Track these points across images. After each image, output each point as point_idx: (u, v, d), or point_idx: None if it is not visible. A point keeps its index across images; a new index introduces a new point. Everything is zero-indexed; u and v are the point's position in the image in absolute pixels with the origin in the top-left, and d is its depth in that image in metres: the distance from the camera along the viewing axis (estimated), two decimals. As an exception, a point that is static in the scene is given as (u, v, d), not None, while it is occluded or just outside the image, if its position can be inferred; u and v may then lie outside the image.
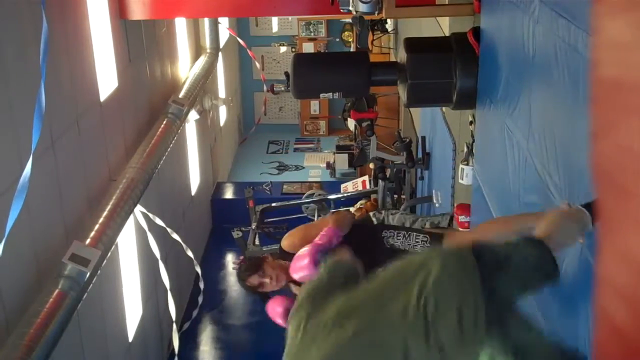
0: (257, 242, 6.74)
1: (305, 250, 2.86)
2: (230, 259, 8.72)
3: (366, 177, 8.28)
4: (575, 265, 2.55)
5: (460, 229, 4.99)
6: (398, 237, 3.09)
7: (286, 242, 3.12)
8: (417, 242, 3.08)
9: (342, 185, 8.69)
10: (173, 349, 5.82)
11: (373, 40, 10.59)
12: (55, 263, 3.91)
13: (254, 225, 6.86)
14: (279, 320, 2.84)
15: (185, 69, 8.06)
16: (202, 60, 8.47)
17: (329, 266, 2.32)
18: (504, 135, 3.69)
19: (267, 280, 3.02)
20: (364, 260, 2.58)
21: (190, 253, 6.03)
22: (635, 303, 0.69)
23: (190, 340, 7.19)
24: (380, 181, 7.24)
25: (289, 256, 3.00)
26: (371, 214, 3.12)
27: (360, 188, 8.20)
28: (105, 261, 4.33)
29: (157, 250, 5.61)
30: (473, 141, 4.74)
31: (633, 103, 0.68)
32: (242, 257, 6.72)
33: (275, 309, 2.86)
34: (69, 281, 3.84)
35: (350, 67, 4.97)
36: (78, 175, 4.59)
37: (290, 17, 12.86)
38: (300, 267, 2.83)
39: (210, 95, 8.81)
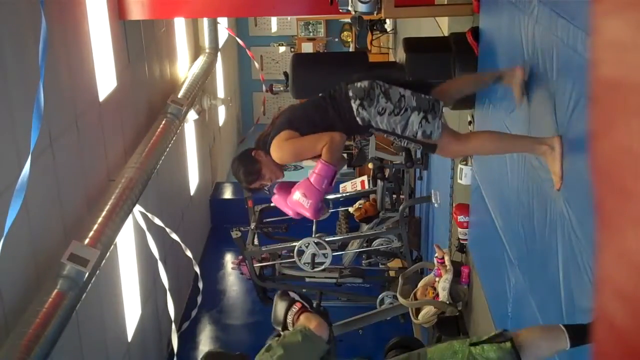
0: (256, 242, 6.74)
1: (306, 201, 2.89)
2: (229, 259, 8.72)
3: (365, 177, 8.27)
4: (574, 266, 2.55)
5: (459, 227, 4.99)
6: (389, 137, 3.06)
7: (276, 155, 3.04)
8: (410, 146, 3.04)
9: (341, 185, 8.68)
10: (172, 349, 5.82)
11: (372, 40, 10.59)
12: (54, 263, 3.91)
13: (252, 225, 6.85)
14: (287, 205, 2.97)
15: (184, 69, 8.06)
16: (201, 60, 8.47)
17: (309, 337, 2.25)
18: (503, 135, 3.69)
19: (266, 182, 3.10)
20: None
21: (189, 253, 6.03)
22: (635, 303, 0.69)
23: (189, 340, 7.19)
24: (379, 181, 7.23)
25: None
26: (354, 107, 2.98)
27: (359, 188, 8.19)
28: (104, 261, 4.33)
29: (156, 250, 5.61)
30: (472, 141, 4.74)
31: (633, 103, 0.68)
32: (241, 257, 6.73)
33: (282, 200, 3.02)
34: (67, 281, 3.84)
35: (349, 67, 4.97)
36: (77, 175, 4.59)
37: (289, 17, 12.86)
38: (302, 213, 2.97)
39: (209, 95, 8.81)
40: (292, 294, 2.51)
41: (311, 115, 3.06)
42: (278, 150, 3.01)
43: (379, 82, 2.99)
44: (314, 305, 2.65)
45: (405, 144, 3.01)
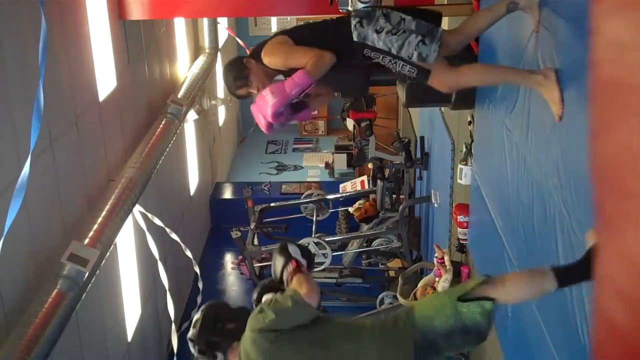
0: (255, 242, 6.74)
1: (271, 98, 2.86)
2: (229, 259, 8.72)
3: (365, 177, 8.27)
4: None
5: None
6: (383, 61, 2.99)
7: (266, 57, 3.03)
8: (404, 70, 2.96)
9: (341, 185, 8.69)
10: (172, 349, 5.82)
11: (372, 40, 10.59)
12: (54, 263, 3.91)
13: (252, 225, 6.86)
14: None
15: (184, 68, 8.06)
16: (201, 60, 8.47)
17: (299, 304, 2.33)
18: (502, 135, 3.69)
19: (254, 90, 3.08)
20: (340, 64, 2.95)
21: (189, 253, 6.03)
22: (635, 303, 0.69)
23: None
24: (379, 181, 7.24)
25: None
26: (352, 23, 2.90)
27: (359, 188, 8.19)
28: (104, 261, 4.33)
29: (155, 250, 5.61)
30: (472, 141, 4.74)
31: (633, 103, 0.68)
32: (240, 257, 6.73)
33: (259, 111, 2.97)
34: (67, 281, 3.84)
35: (349, 67, 4.96)
36: (77, 175, 4.59)
37: (289, 17, 12.85)
38: (262, 112, 2.93)
39: (209, 95, 8.81)
40: (290, 249, 2.56)
41: (310, 33, 3.09)
42: (269, 52, 3.01)
43: (382, 7, 3.01)
44: (314, 258, 2.71)
45: (400, 67, 2.94)
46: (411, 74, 2.94)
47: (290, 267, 2.48)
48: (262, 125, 2.99)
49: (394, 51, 2.88)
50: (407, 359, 2.36)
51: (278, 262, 2.55)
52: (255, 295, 2.65)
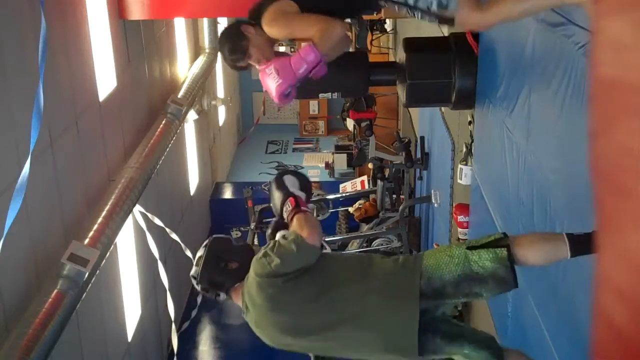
0: (256, 242, 6.74)
1: (275, 79, 2.67)
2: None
3: (365, 177, 8.28)
4: (574, 266, 2.55)
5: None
6: (400, 10, 2.70)
7: (266, 27, 2.73)
8: (425, 18, 2.65)
9: (341, 185, 8.69)
10: (172, 349, 5.82)
11: (372, 40, 10.60)
12: (54, 263, 3.91)
13: (252, 225, 6.86)
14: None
15: (184, 69, 8.06)
16: (201, 60, 8.46)
17: (303, 247, 2.33)
18: (503, 135, 3.69)
19: (253, 62, 2.85)
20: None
21: (189, 253, 6.02)
22: (635, 303, 0.69)
23: (189, 340, 7.19)
24: (379, 181, 7.24)
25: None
26: None
27: (359, 188, 8.19)
28: (104, 261, 4.33)
29: (156, 250, 5.61)
30: (472, 141, 4.75)
31: (633, 103, 0.68)
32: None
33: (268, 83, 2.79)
34: (67, 281, 3.84)
35: (349, 67, 4.97)
36: (77, 175, 4.59)
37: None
38: (268, 91, 2.77)
39: (209, 95, 8.81)
40: (287, 181, 2.53)
41: None
42: (270, 21, 2.70)
43: None
44: (311, 184, 2.68)
45: (420, 16, 2.64)
46: (433, 21, 2.65)
47: (289, 205, 2.45)
48: (273, 97, 2.79)
49: (410, 2, 2.59)
50: (410, 305, 2.32)
51: (276, 197, 2.53)
52: (269, 231, 2.64)
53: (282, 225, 2.56)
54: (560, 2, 2.56)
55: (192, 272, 2.59)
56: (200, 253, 2.60)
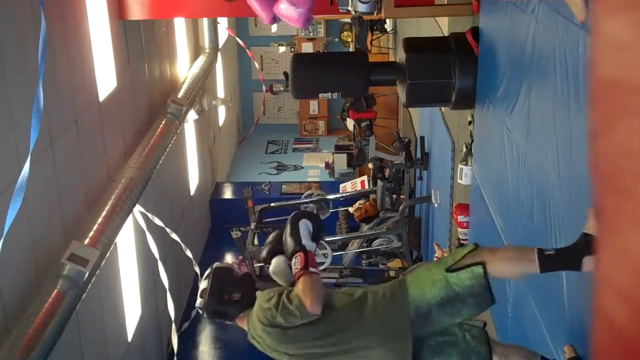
0: (256, 242, 6.74)
1: (295, 11, 2.88)
2: (229, 259, 8.71)
3: (365, 177, 8.27)
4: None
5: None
6: None
7: None
8: None
9: (341, 185, 8.69)
10: (172, 349, 5.82)
11: (372, 40, 10.59)
12: (54, 263, 3.91)
13: (252, 225, 6.85)
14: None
15: (184, 69, 8.06)
16: (201, 60, 8.47)
17: (305, 315, 2.53)
18: (503, 135, 3.69)
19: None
20: None
21: (189, 253, 6.03)
22: (635, 303, 0.69)
23: (189, 340, 7.19)
24: (379, 181, 7.24)
25: None
26: None
27: (359, 188, 8.19)
28: (104, 261, 4.33)
29: (156, 250, 5.61)
30: (472, 141, 4.74)
31: (633, 103, 0.68)
32: (241, 257, 6.72)
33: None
34: (67, 281, 3.84)
35: (349, 67, 4.97)
36: (77, 175, 4.59)
37: (289, 17, 12.85)
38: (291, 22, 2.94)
39: (209, 95, 8.81)
40: (301, 229, 2.66)
41: None
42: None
43: None
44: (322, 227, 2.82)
45: None
46: None
47: (298, 262, 2.59)
48: (297, 24, 2.96)
49: None
50: (404, 339, 2.53)
51: (288, 244, 2.67)
52: (264, 254, 2.82)
53: (279, 251, 2.75)
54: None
55: (198, 303, 2.78)
56: (203, 285, 2.79)
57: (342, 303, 2.67)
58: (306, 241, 2.66)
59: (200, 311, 2.77)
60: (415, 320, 2.54)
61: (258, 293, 2.69)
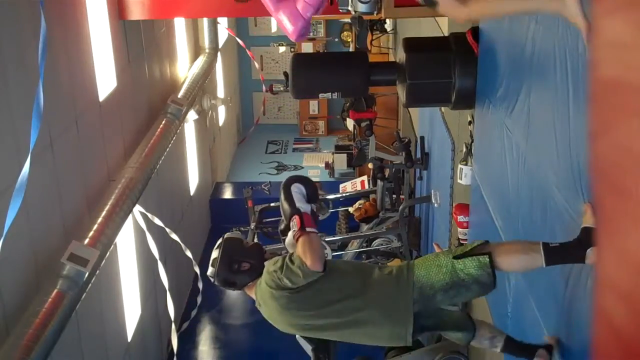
0: (256, 241, 6.74)
1: (288, 25, 3.00)
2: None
3: (365, 177, 8.27)
4: (574, 266, 2.55)
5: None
6: None
7: None
8: None
9: (341, 185, 8.69)
10: (172, 349, 5.82)
11: (372, 40, 10.59)
12: (54, 263, 3.91)
13: (252, 225, 6.86)
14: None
15: (184, 69, 8.06)
16: (201, 60, 8.47)
17: (308, 274, 2.63)
18: (503, 135, 3.69)
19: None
20: None
21: (189, 253, 6.03)
22: (635, 303, 0.69)
23: (189, 340, 7.19)
24: (379, 181, 7.23)
25: None
26: None
27: (359, 188, 8.19)
28: (103, 261, 4.33)
29: (155, 250, 5.61)
30: (472, 141, 4.74)
31: (633, 103, 0.68)
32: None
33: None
34: (67, 281, 3.84)
35: (349, 67, 4.97)
36: (77, 175, 4.59)
37: (289, 17, 12.84)
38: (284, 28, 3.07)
39: (209, 95, 8.81)
40: (294, 193, 2.76)
41: None
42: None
43: None
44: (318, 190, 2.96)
45: None
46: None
47: (295, 225, 2.67)
48: (292, 37, 3.08)
49: None
50: (406, 314, 2.65)
51: (285, 209, 2.77)
52: (282, 227, 2.93)
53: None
54: (538, 8, 2.57)
55: (209, 272, 2.87)
56: (215, 255, 2.87)
57: (348, 270, 2.77)
58: (300, 204, 2.74)
59: (212, 279, 2.86)
60: (419, 301, 2.65)
61: (266, 268, 2.78)
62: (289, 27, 2.98)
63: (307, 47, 12.72)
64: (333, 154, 11.59)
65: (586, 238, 2.32)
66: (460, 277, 2.57)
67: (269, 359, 7.08)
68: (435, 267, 2.63)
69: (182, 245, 5.93)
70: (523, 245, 2.60)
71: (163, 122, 6.20)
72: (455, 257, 2.59)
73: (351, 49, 11.79)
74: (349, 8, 4.37)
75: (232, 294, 8.22)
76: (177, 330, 6.00)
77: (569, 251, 2.39)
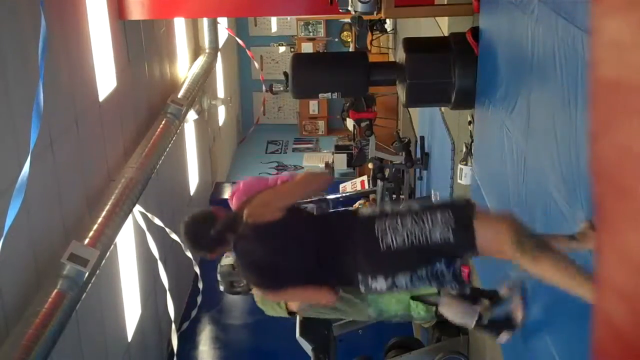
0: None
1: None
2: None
3: (365, 177, 8.27)
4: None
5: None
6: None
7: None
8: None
9: (341, 185, 8.68)
10: (172, 349, 5.82)
11: (372, 40, 10.59)
12: (54, 263, 3.91)
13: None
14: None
15: (184, 69, 8.06)
16: (201, 60, 8.47)
17: None
18: (502, 135, 3.69)
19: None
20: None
21: (189, 253, 6.03)
22: (635, 303, 0.69)
23: (189, 340, 7.19)
24: (379, 181, 7.23)
25: None
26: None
27: (359, 188, 8.19)
28: (104, 261, 4.33)
29: (156, 250, 5.61)
30: (472, 141, 4.74)
31: (633, 103, 0.68)
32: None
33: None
34: (67, 281, 3.84)
35: (349, 67, 4.97)
36: (77, 175, 4.59)
37: (289, 17, 12.86)
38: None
39: (209, 95, 8.81)
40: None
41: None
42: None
43: None
44: None
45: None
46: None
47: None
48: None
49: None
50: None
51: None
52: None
53: None
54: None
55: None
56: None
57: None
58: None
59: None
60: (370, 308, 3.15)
61: None
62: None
63: (307, 47, 12.72)
64: (333, 154, 11.59)
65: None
66: (410, 314, 3.14)
67: (268, 359, 7.09)
68: (395, 300, 3.10)
69: (182, 245, 5.93)
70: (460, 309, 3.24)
71: (163, 122, 6.20)
72: (412, 298, 3.07)
73: (351, 49, 11.80)
74: (349, 8, 4.37)
75: (234, 296, 8.22)
76: (177, 330, 6.00)
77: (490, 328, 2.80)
